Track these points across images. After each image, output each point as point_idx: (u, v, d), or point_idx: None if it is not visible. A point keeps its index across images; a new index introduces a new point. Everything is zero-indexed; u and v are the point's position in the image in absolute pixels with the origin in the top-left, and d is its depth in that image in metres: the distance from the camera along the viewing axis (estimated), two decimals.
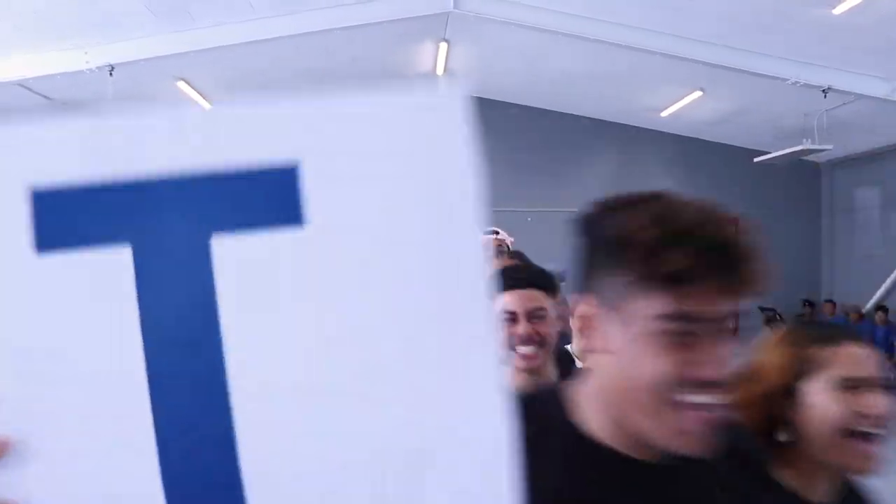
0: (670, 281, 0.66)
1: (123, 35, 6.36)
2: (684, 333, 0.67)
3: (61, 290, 0.51)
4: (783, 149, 7.88)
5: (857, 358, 1.00)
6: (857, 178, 10.03)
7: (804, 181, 10.42)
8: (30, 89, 7.09)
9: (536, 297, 1.46)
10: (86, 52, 6.45)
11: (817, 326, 1.15)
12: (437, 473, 0.52)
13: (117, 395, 0.51)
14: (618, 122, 9.97)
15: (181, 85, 7.73)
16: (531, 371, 1.43)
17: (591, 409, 0.75)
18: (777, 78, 7.15)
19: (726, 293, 0.67)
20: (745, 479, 0.87)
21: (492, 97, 9.06)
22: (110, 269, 0.51)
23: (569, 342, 1.88)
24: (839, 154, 9.19)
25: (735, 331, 0.69)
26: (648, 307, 0.67)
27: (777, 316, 8.79)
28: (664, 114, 9.26)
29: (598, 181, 9.54)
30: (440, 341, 0.53)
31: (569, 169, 9.79)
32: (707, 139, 10.10)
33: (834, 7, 5.78)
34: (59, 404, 0.50)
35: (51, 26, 5.99)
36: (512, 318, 1.43)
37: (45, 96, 7.41)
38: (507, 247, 2.86)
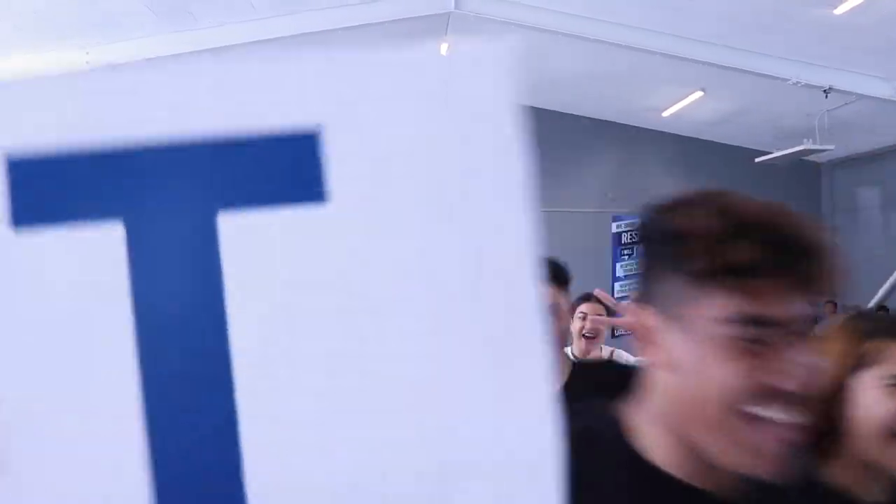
0: (735, 276, 0.59)
1: (124, 35, 6.35)
2: (753, 339, 0.60)
3: (42, 270, 0.44)
4: (784, 149, 7.86)
5: None
6: (859, 178, 10.01)
7: (805, 181, 10.39)
8: None
9: (551, 294, 1.42)
10: (86, 53, 6.43)
11: (874, 319, 1.10)
12: (477, 486, 0.45)
13: (105, 395, 0.44)
14: (618, 122, 9.94)
15: None
16: None
17: (654, 434, 0.68)
18: (778, 78, 7.15)
19: (796, 291, 0.60)
20: None
21: None
22: (99, 249, 0.44)
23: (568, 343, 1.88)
24: (840, 154, 9.17)
25: (809, 336, 0.62)
26: (713, 308, 0.61)
27: None
28: (665, 114, 9.25)
29: (598, 181, 9.51)
30: (483, 339, 0.45)
31: (569, 169, 9.77)
32: (708, 139, 10.07)
33: (835, 7, 5.78)
34: (38, 401, 0.44)
35: (51, 26, 5.99)
36: None
37: None
38: None
